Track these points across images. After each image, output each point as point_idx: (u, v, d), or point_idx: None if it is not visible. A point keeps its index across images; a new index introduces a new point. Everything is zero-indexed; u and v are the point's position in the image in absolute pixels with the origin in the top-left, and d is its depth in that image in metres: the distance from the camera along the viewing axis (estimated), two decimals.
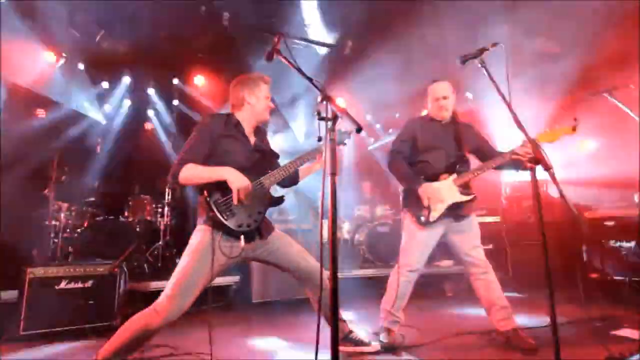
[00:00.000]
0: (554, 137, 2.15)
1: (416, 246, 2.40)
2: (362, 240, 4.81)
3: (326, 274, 1.85)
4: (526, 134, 1.71)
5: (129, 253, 3.64)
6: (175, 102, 6.28)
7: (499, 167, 2.42)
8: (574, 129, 2.13)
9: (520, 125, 1.73)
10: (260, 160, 2.05)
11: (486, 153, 2.48)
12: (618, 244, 3.65)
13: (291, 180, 2.23)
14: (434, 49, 4.63)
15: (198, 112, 6.23)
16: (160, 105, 6.26)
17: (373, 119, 7.40)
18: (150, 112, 6.30)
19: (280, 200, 2.05)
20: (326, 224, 1.25)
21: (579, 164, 4.63)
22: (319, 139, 1.32)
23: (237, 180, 1.82)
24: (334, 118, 1.26)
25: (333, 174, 1.21)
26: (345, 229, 5.40)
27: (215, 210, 1.82)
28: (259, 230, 1.98)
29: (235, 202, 1.81)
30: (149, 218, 4.74)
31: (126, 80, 5.73)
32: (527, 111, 4.65)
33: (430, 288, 4.14)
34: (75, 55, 5.10)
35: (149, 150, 6.04)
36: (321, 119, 1.28)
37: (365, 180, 6.04)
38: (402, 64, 5.01)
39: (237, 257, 1.89)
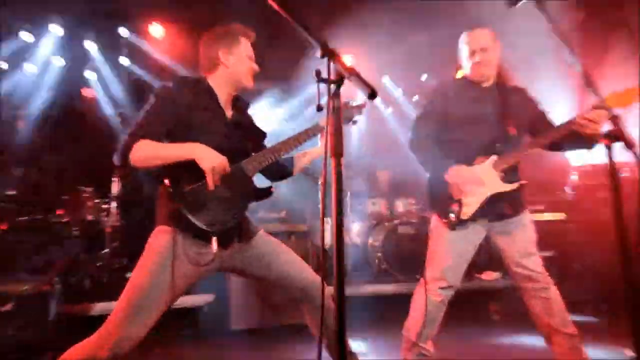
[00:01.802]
0: (627, 100, 2.09)
1: (448, 254, 2.41)
2: (378, 245, 4.84)
3: (329, 290, 1.86)
4: (599, 96, 1.70)
5: (64, 265, 3.67)
6: (124, 60, 6.21)
7: (556, 147, 2.40)
8: None
9: (591, 84, 1.72)
10: (239, 140, 2.05)
11: (541, 128, 2.46)
12: None
13: (282, 169, 2.25)
14: None
15: (156, 74, 6.19)
16: (103, 64, 6.19)
17: (391, 83, 7.34)
18: (90, 75, 6.25)
19: (267, 192, 2.06)
20: (329, 223, 1.25)
21: None
22: (319, 109, 1.30)
23: (209, 156, 1.82)
24: (339, 80, 1.25)
25: (338, 156, 1.21)
26: (354, 231, 5.42)
27: (179, 203, 1.83)
28: (237, 230, 1.99)
29: (210, 186, 1.81)
30: (90, 217, 4.76)
31: (56, 30, 5.62)
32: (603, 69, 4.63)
33: (469, 309, 4.17)
34: None
35: (90, 126, 6.02)
36: (321, 81, 1.26)
37: (383, 165, 6.03)
38: (428, 8, 4.94)
39: (208, 266, 1.90)
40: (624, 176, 4.36)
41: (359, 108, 2.27)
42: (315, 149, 2.27)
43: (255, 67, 2.11)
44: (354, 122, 2.31)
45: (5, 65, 5.55)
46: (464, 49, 2.52)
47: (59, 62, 5.98)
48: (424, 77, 7.08)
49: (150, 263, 1.83)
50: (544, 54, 4.62)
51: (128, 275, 1.87)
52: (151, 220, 1.96)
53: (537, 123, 2.49)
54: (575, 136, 2.25)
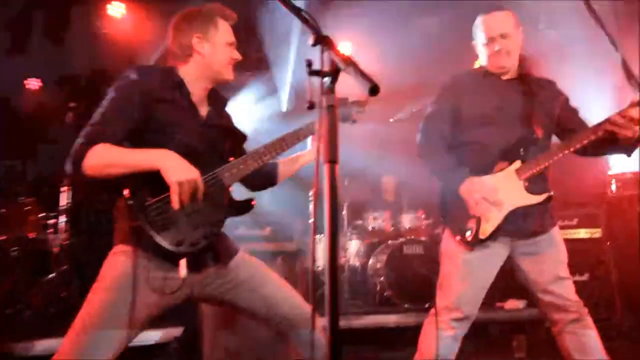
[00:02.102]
0: None
1: (463, 279, 2.43)
2: (380, 267, 4.85)
3: (321, 322, 1.87)
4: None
5: (0, 293, 3.63)
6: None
7: (590, 152, 2.42)
8: None
9: (631, 77, 1.75)
10: (216, 142, 2.07)
11: (572, 129, 2.48)
12: None
13: (264, 178, 2.27)
14: None
15: (118, 63, 6.18)
16: (51, 46, 6.16)
17: (399, 79, 7.37)
18: (36, 56, 6.17)
19: (247, 205, 2.07)
20: (323, 241, 1.26)
21: None
22: (311, 106, 1.31)
23: (177, 169, 1.82)
24: (335, 72, 1.26)
25: (332, 163, 1.22)
26: (352, 250, 5.42)
27: (141, 218, 1.82)
28: (212, 251, 1.99)
29: (175, 204, 1.81)
30: (33, 235, 4.71)
31: None
32: None
33: (489, 343, 4.19)
34: None
35: (35, 122, 5.99)
36: (313, 73, 1.27)
37: (386, 172, 6.05)
38: None
39: (176, 294, 1.90)
40: None
41: (360, 105, 2.29)
42: (305, 154, 2.30)
43: (237, 55, 2.12)
44: (354, 122, 2.32)
45: None
46: (480, 35, 2.54)
47: None
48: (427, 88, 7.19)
49: (106, 290, 1.83)
50: (576, 43, 4.68)
51: (79, 305, 1.85)
52: (108, 238, 1.96)
53: (568, 122, 2.52)
54: (611, 139, 2.27)
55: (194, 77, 2.06)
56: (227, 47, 2.09)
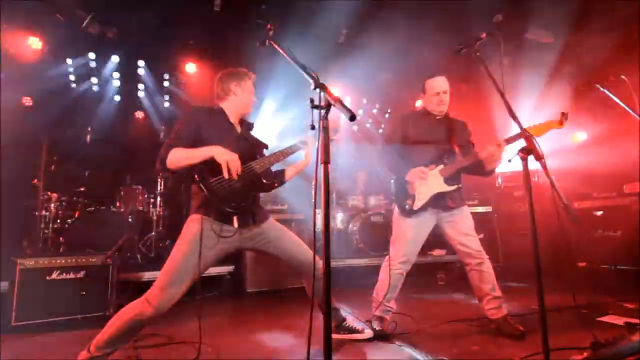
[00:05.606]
0: (541, 132, 2.12)
1: (405, 237, 2.42)
2: (356, 229, 4.83)
3: (320, 263, 1.86)
4: (519, 124, 1.72)
5: (121, 243, 3.63)
6: (166, 84, 6.02)
7: (470, 170, 2.42)
8: (561, 123, 2.12)
9: (513, 115, 1.74)
10: (248, 148, 2.06)
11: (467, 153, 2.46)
12: (606, 233, 3.73)
13: (278, 176, 2.22)
14: (429, 39, 4.59)
15: (190, 100, 6.10)
16: (151, 92, 6.11)
17: (369, 103, 7.28)
18: (141, 97, 6.10)
19: (271, 185, 2.08)
20: (320, 213, 1.25)
21: (570, 154, 4.68)
22: (312, 127, 1.31)
23: (224, 153, 1.83)
24: (328, 106, 1.25)
25: (326, 163, 1.20)
26: (339, 219, 5.41)
27: (205, 191, 1.82)
28: (252, 214, 1.98)
29: (225, 175, 1.80)
30: (141, 208, 4.70)
31: (114, 58, 5.48)
32: (525, 100, 4.68)
33: (422, 276, 4.20)
34: (62, 41, 4.94)
35: (141, 139, 5.95)
36: (314, 107, 1.27)
37: (360, 170, 6.03)
38: (397, 55, 4.99)
39: (230, 238, 1.89)
40: (534, 181, 4.42)
41: (337, 129, 2.23)
42: (301, 162, 2.21)
43: (254, 99, 2.13)
44: (332, 140, 2.26)
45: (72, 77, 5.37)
46: (428, 89, 2.49)
47: (117, 83, 5.74)
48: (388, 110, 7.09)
49: (185, 243, 1.82)
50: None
51: (170, 251, 1.85)
52: (186, 210, 1.96)
53: (466, 149, 2.49)
54: (480, 165, 2.34)
55: (230, 109, 2.08)
56: (250, 93, 2.10)
